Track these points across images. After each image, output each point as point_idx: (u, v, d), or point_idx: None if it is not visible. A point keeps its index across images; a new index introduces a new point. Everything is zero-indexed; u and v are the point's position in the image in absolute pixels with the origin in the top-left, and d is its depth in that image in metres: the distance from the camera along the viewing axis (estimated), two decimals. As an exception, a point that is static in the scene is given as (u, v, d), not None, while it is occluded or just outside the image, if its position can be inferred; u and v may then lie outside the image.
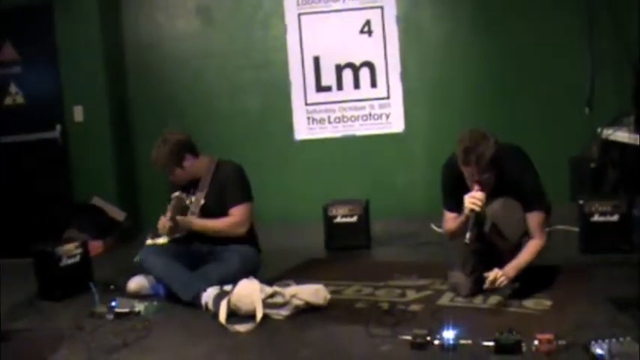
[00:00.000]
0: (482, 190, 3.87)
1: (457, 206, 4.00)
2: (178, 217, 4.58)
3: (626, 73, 5.40)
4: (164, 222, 4.58)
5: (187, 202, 4.63)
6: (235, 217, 4.61)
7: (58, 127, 6.88)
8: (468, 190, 3.92)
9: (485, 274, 3.80)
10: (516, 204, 3.98)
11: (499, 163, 3.90)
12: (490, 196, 3.95)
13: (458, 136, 3.92)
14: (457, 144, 3.88)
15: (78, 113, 6.92)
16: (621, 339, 2.98)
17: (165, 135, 4.70)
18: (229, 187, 4.64)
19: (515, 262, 3.89)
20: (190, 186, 4.75)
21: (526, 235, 4.01)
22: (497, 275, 3.76)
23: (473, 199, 3.85)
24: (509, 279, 3.82)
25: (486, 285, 3.79)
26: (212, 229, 4.62)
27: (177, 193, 4.66)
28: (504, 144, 4.10)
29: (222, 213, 4.63)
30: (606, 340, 2.97)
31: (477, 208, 3.85)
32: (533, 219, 3.98)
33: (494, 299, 3.91)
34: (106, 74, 6.97)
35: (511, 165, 4.00)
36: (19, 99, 6.96)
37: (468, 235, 3.82)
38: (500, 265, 3.84)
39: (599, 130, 5.81)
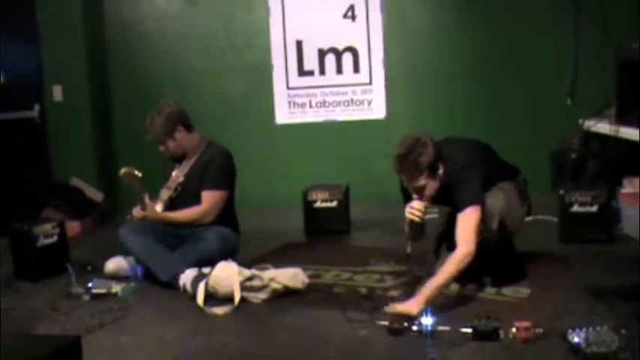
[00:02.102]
0: (421, 199, 3.77)
1: None
2: (147, 203, 4.53)
3: (609, 65, 5.40)
4: (137, 211, 4.54)
5: (136, 172, 4.41)
6: (203, 205, 4.57)
7: (37, 106, 6.77)
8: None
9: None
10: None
11: (443, 167, 3.76)
12: (439, 202, 3.91)
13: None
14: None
15: (57, 93, 6.85)
16: (598, 328, 2.99)
17: (161, 105, 4.71)
18: (210, 169, 4.62)
19: (427, 287, 3.57)
20: (180, 161, 4.74)
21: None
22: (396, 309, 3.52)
23: (412, 209, 3.78)
24: (420, 306, 3.43)
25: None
26: (178, 221, 4.60)
27: (123, 170, 4.41)
28: (461, 141, 4.06)
29: (198, 194, 4.60)
30: (583, 329, 2.98)
31: (416, 219, 3.78)
32: (461, 221, 3.67)
33: (472, 286, 3.90)
34: (86, 54, 6.90)
35: (453, 169, 3.78)
36: (-2, 78, 6.86)
37: (409, 245, 3.80)
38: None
39: (580, 121, 5.82)
